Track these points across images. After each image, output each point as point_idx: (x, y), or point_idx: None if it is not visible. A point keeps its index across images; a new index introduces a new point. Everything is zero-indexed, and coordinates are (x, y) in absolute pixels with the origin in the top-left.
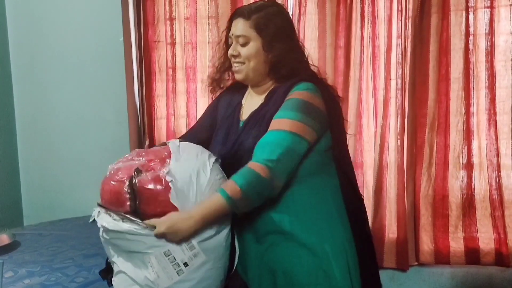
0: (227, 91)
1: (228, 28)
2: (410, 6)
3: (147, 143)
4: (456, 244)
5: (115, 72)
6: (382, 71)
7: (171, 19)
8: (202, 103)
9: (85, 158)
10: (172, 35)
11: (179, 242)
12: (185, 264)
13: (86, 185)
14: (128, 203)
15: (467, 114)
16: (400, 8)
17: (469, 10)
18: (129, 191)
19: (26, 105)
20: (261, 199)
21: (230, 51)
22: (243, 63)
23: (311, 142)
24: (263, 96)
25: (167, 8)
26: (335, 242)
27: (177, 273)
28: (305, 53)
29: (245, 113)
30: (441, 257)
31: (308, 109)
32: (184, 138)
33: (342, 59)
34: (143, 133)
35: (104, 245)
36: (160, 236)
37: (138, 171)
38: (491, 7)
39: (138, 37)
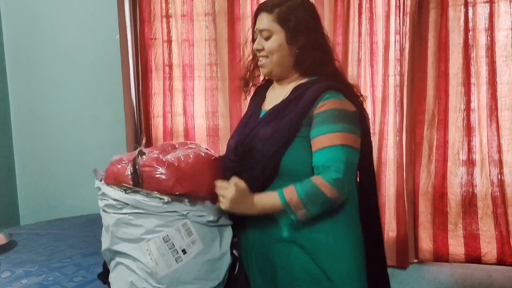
0: (259, 88)
1: (254, 24)
2: (408, 1)
3: (144, 141)
4: (456, 242)
5: (112, 70)
6: (380, 67)
7: (167, 16)
8: (199, 101)
9: (81, 157)
10: (169, 32)
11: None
12: (184, 251)
13: (83, 184)
14: (131, 183)
15: (467, 110)
16: (398, 4)
17: (468, 5)
18: (132, 171)
19: (22, 104)
20: (322, 212)
21: (254, 45)
22: (267, 57)
23: (359, 149)
24: (287, 89)
25: (163, 5)
26: (337, 243)
27: (176, 261)
28: (330, 45)
29: (267, 104)
30: (440, 255)
31: (348, 118)
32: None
33: (340, 56)
34: (140, 131)
35: (103, 236)
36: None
37: (142, 153)
38: (491, 1)
39: (134, 35)
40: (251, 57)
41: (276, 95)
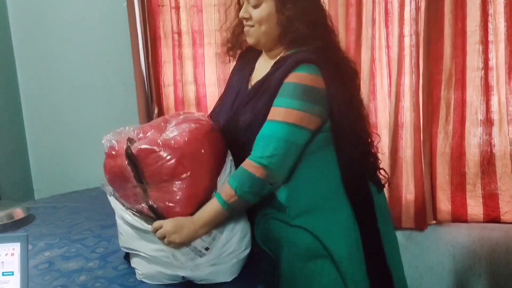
0: (247, 51)
1: None
2: None
3: (155, 111)
4: (474, 202)
5: (120, 39)
6: (396, 27)
7: None
8: (210, 68)
9: (93, 128)
10: None
11: (179, 246)
12: (206, 249)
13: (95, 156)
14: (132, 174)
15: (486, 68)
16: None
17: None
18: (128, 162)
19: (30, 76)
20: (260, 197)
21: (241, 13)
22: (253, 26)
23: (312, 128)
24: (272, 63)
25: None
26: (335, 221)
27: (200, 256)
28: (323, 16)
29: (254, 79)
30: (459, 216)
31: (307, 94)
32: (214, 110)
33: (354, 17)
34: (151, 101)
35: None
36: (161, 236)
37: (130, 139)
38: None
39: (141, 2)
40: (236, 22)
41: (263, 68)
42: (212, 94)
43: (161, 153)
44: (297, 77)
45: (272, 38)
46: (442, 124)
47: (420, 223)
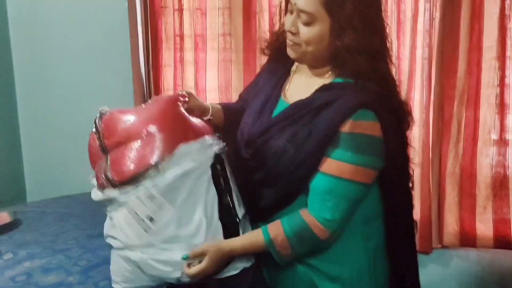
0: (279, 53)
1: None
2: None
3: None
4: (484, 226)
5: (120, 41)
6: (408, 39)
7: None
8: (212, 73)
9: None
10: (180, 0)
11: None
12: (151, 219)
13: None
14: (98, 143)
15: (501, 86)
16: None
17: None
18: (94, 131)
19: (27, 78)
20: (308, 252)
21: (287, 26)
22: (300, 44)
23: (371, 182)
24: (315, 83)
25: None
26: (341, 259)
27: (145, 231)
28: (385, 47)
29: (289, 92)
30: (467, 240)
31: (370, 147)
32: (240, 97)
33: None
34: None
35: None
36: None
37: (102, 112)
38: None
39: (143, 3)
40: (279, 24)
41: (302, 83)
42: (213, 101)
43: (122, 116)
44: (359, 127)
45: (318, 60)
46: (453, 142)
47: (425, 246)
